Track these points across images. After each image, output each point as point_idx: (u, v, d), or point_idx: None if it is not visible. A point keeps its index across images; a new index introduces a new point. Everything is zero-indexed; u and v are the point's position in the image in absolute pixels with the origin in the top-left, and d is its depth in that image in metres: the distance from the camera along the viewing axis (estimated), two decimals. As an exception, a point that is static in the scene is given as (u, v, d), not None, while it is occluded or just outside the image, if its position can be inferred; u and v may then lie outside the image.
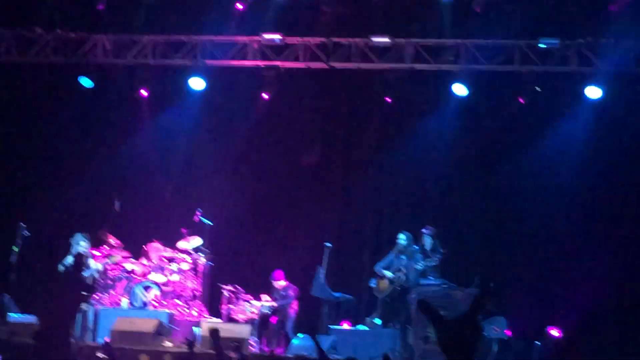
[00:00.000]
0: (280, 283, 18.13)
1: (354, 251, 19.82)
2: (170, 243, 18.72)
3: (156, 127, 20.03)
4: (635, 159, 18.30)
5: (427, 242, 17.62)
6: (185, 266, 18.47)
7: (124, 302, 18.07)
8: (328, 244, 17.89)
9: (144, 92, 19.42)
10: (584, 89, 17.85)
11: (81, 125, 19.85)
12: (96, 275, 17.18)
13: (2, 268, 17.17)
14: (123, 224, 18.98)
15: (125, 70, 19.28)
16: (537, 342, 17.22)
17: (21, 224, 17.35)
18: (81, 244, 16.94)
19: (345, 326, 17.92)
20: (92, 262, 16.97)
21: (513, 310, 17.26)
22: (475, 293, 16.30)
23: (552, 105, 18.49)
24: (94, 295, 17.36)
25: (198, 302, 18.35)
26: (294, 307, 18.08)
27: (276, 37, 18.55)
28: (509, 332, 16.91)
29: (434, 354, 15.04)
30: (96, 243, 17.93)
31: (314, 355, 15.64)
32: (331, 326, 17.59)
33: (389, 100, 19.14)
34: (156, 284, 18.14)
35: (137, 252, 18.63)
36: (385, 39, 18.33)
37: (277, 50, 18.76)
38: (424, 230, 17.69)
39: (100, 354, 14.56)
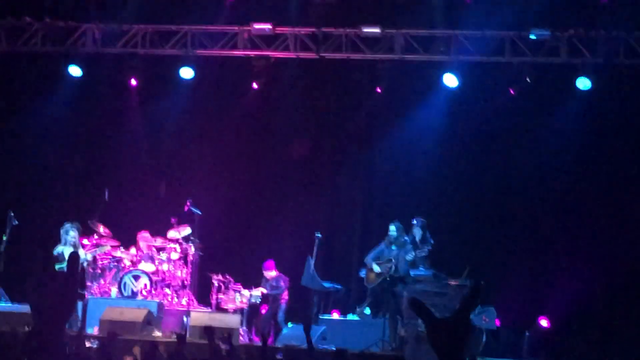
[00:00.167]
0: (271, 273, 18.14)
1: (343, 241, 19.85)
2: (160, 232, 18.70)
3: (146, 116, 20.02)
4: (625, 150, 18.36)
5: (417, 232, 17.66)
6: (174, 255, 18.46)
7: (114, 291, 18.06)
8: (318, 234, 17.90)
9: (133, 82, 19.38)
10: (574, 80, 17.88)
11: (70, 114, 19.81)
12: (85, 265, 17.17)
13: (-9, 257, 17.15)
14: (113, 213, 18.96)
15: (115, 60, 19.23)
16: (526, 332, 17.29)
17: (10, 212, 17.32)
18: (70, 234, 16.93)
19: (335, 316, 17.94)
20: (81, 252, 16.96)
21: (502, 301, 17.30)
22: (465, 286, 16.38)
23: (542, 96, 18.52)
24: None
25: (187, 291, 18.34)
26: (284, 297, 18.10)
27: (266, 27, 18.53)
28: (498, 322, 16.96)
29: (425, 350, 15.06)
30: (86, 232, 17.91)
31: (304, 345, 15.69)
32: (321, 316, 17.62)
33: (379, 90, 19.15)
34: (146, 273, 18.12)
35: (126, 242, 18.60)
36: (376, 30, 18.33)
37: (267, 40, 18.74)
38: (414, 221, 17.71)
39: (89, 343, 14.56)
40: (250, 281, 18.25)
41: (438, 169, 19.44)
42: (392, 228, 17.40)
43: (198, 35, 18.92)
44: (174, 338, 16.24)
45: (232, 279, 18.15)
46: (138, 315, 16.77)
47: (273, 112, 20.00)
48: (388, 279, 17.19)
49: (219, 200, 19.59)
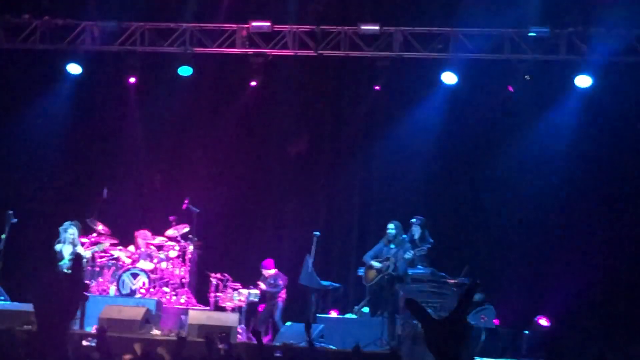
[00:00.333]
0: (270, 272, 18.12)
1: (342, 240, 19.84)
2: (159, 231, 18.69)
3: (144, 114, 20.00)
4: (624, 148, 18.33)
5: (416, 231, 17.64)
6: (173, 254, 18.45)
7: (112, 289, 18.05)
8: (316, 233, 17.87)
9: (132, 79, 19.37)
10: (573, 77, 17.86)
11: (69, 112, 19.80)
12: (84, 263, 17.16)
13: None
14: (111, 211, 18.94)
15: (114, 58, 19.22)
16: (525, 331, 17.26)
17: (9, 211, 17.30)
18: (69, 232, 16.94)
19: (333, 315, 17.94)
20: (80, 250, 16.96)
21: (501, 300, 17.30)
22: (464, 285, 16.37)
23: (541, 93, 18.50)
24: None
25: (186, 289, 18.33)
26: (282, 295, 18.09)
27: (265, 24, 18.50)
28: (497, 322, 16.95)
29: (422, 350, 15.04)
30: (85, 230, 17.89)
31: (302, 343, 15.67)
32: (319, 315, 17.59)
33: (377, 88, 19.12)
34: (144, 271, 18.11)
35: (125, 240, 18.59)
36: (374, 27, 18.29)
37: (265, 38, 18.72)
38: (413, 219, 17.69)
39: (86, 342, 14.56)
40: (249, 280, 18.23)
41: (437, 167, 19.43)
42: (391, 226, 17.36)
43: (196, 33, 18.91)
44: (172, 336, 16.30)
45: (230, 278, 18.13)
46: (137, 313, 16.73)
47: (271, 110, 19.98)
48: (386, 277, 17.16)
49: (218, 199, 19.59)
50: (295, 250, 18.56)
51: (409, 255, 17.08)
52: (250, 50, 18.72)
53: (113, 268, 18.26)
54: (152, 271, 18.18)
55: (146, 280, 18.04)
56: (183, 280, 18.42)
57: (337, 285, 18.31)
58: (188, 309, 17.51)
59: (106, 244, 18.14)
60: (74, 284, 7.61)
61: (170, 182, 20.10)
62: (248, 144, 20.21)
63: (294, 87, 19.81)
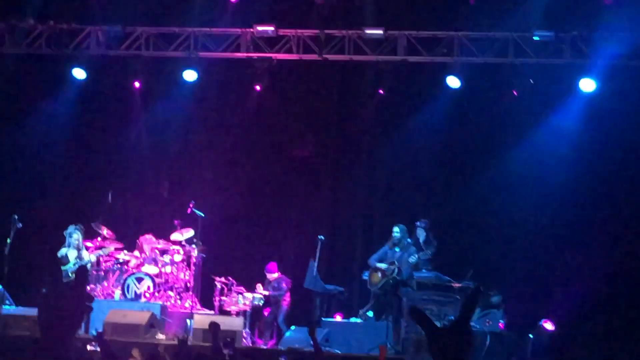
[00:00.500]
0: (273, 275, 18.16)
1: (346, 244, 19.86)
2: (163, 235, 18.71)
3: (149, 118, 20.03)
4: (628, 152, 18.31)
5: (421, 234, 17.67)
6: (177, 258, 18.47)
7: (117, 293, 18.07)
8: (320, 237, 17.87)
9: (137, 84, 19.39)
10: (577, 81, 17.85)
11: (74, 117, 19.86)
12: (89, 267, 17.18)
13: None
14: (116, 215, 18.98)
15: (119, 62, 19.24)
16: (530, 335, 17.24)
17: (14, 215, 17.31)
18: (74, 236, 16.96)
19: (338, 318, 17.93)
20: (85, 254, 16.99)
21: (506, 304, 17.29)
22: (468, 289, 16.36)
23: (545, 97, 18.48)
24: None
25: (190, 293, 18.34)
26: (286, 299, 18.10)
27: (269, 28, 18.52)
28: (502, 325, 16.94)
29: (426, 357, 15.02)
30: (89, 235, 17.92)
31: (307, 347, 15.68)
32: (324, 318, 17.59)
33: (382, 92, 19.12)
34: (149, 275, 18.13)
35: (130, 244, 18.61)
36: (379, 31, 18.30)
37: (270, 42, 18.73)
38: (417, 223, 17.71)
39: (90, 346, 14.57)
40: (253, 284, 18.24)
41: (441, 171, 19.44)
42: (396, 230, 17.36)
43: (201, 38, 18.92)
44: (176, 341, 16.32)
45: (234, 282, 18.14)
46: (141, 318, 16.77)
47: (276, 113, 20.00)
48: (391, 281, 17.15)
49: (222, 203, 19.63)
50: (300, 254, 18.58)
51: (413, 259, 17.08)
52: (255, 55, 18.74)
53: (118, 272, 18.30)
54: (156, 275, 18.21)
55: (151, 285, 18.06)
56: (188, 284, 18.43)
57: (341, 289, 18.31)
58: (193, 313, 17.53)
59: (111, 248, 18.16)
60: (78, 297, 7.66)
61: (175, 186, 20.12)
62: (253, 147, 20.24)
63: (299, 91, 19.85)
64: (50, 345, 6.32)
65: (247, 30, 18.70)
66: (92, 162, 20.03)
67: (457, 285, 17.03)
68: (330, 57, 18.65)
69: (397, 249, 17.32)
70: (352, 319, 17.71)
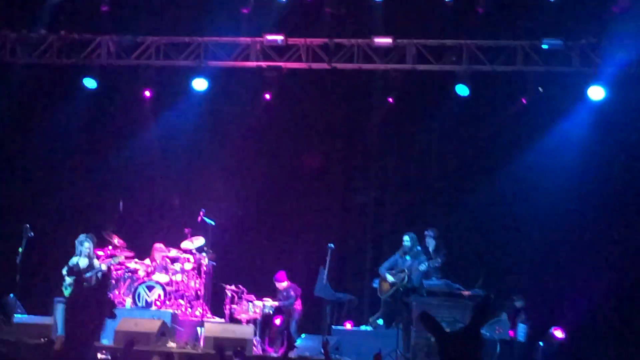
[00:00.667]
0: (283, 284, 18.18)
1: (356, 252, 19.89)
2: (174, 243, 18.76)
3: (160, 127, 20.11)
4: (638, 159, 18.31)
5: (431, 243, 17.71)
6: (188, 266, 18.52)
7: (128, 301, 18.13)
8: (330, 245, 17.90)
9: (147, 93, 19.47)
10: (586, 89, 17.86)
11: (85, 126, 19.96)
12: (100, 275, 17.22)
13: (7, 269, 17.21)
14: (127, 224, 19.04)
15: (129, 72, 19.33)
16: (540, 342, 17.25)
17: (26, 225, 17.39)
18: (85, 245, 17.01)
19: (348, 326, 17.97)
20: (96, 263, 17.05)
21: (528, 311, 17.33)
22: (478, 296, 16.39)
23: (554, 105, 18.50)
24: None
25: (201, 302, 18.38)
26: (297, 307, 18.10)
27: (279, 38, 18.58)
28: (512, 333, 16.95)
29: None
30: (100, 243, 17.99)
31: (318, 356, 15.72)
32: (334, 326, 17.63)
33: (391, 100, 19.16)
34: (159, 283, 18.17)
35: (140, 253, 18.68)
36: (388, 40, 18.35)
37: (279, 51, 18.80)
38: (426, 232, 17.75)
39: (102, 355, 14.62)
40: (264, 292, 18.28)
41: (450, 179, 19.47)
42: (406, 238, 17.40)
43: (211, 47, 19.00)
44: (188, 349, 16.39)
45: (245, 290, 18.18)
46: (152, 326, 16.81)
47: (285, 122, 20.07)
48: (401, 289, 17.19)
49: (232, 211, 19.67)
50: (310, 262, 18.60)
51: (423, 267, 17.12)
52: (264, 63, 18.81)
53: (129, 281, 18.35)
54: (167, 284, 18.25)
55: (162, 293, 18.11)
56: (198, 292, 18.48)
57: (351, 297, 18.34)
58: (203, 321, 17.58)
59: (122, 256, 18.22)
60: (101, 302, 7.72)
61: (186, 195, 20.19)
62: (262, 156, 20.29)
63: (308, 99, 19.91)
64: (73, 351, 6.39)
65: (257, 39, 18.77)
66: (103, 171, 20.10)
67: (467, 293, 17.07)
68: (340, 65, 18.71)
69: (407, 257, 17.37)
70: (363, 327, 17.75)
